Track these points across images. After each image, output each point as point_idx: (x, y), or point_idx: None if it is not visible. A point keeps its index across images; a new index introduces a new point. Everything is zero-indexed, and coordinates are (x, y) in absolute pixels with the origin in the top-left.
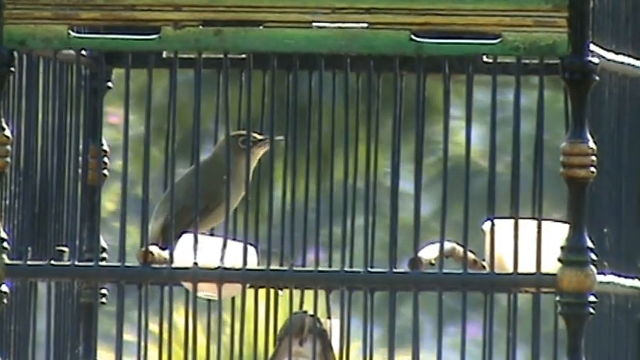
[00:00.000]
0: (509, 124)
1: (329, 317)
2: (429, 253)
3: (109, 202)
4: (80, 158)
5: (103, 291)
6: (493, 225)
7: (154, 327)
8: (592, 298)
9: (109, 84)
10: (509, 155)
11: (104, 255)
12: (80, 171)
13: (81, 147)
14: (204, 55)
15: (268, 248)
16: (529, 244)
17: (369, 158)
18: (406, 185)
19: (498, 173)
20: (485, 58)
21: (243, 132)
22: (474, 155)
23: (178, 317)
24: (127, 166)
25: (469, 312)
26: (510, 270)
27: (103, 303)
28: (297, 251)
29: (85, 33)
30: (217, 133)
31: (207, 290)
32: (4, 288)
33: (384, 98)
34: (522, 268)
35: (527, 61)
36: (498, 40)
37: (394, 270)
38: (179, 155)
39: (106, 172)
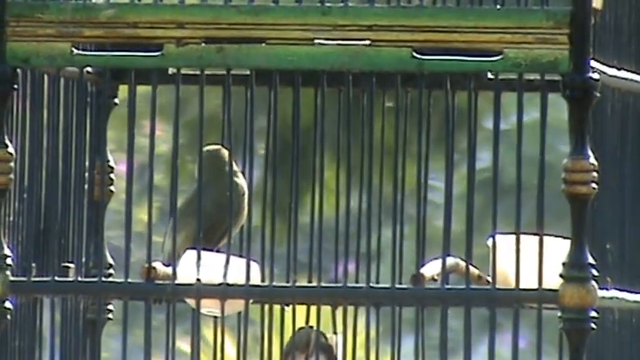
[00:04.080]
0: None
1: (334, 332)
2: (431, 269)
3: (145, 216)
4: (86, 174)
5: (110, 307)
6: (495, 241)
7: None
8: (593, 314)
9: (116, 100)
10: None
11: (110, 271)
12: (86, 187)
13: (87, 163)
14: (209, 72)
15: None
16: (532, 258)
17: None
18: (436, 196)
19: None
20: (489, 75)
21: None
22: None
23: (184, 335)
24: (131, 180)
25: (506, 323)
26: (514, 285)
27: (109, 319)
28: (328, 266)
29: (90, 50)
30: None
31: (210, 307)
32: (8, 304)
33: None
34: (526, 281)
35: (531, 78)
36: (500, 57)
37: (397, 286)
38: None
39: (112, 188)
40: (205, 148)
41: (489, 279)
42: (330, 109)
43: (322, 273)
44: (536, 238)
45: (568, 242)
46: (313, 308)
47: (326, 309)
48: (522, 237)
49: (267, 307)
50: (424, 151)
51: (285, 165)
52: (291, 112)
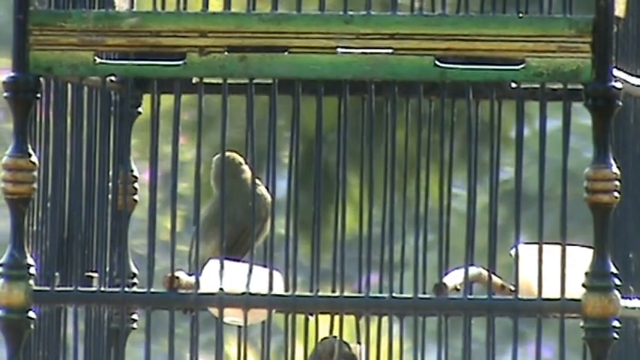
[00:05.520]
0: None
1: (358, 342)
2: (454, 278)
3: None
4: (109, 183)
5: (134, 316)
6: (518, 250)
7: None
8: (616, 324)
9: (139, 109)
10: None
11: (134, 280)
12: (110, 196)
13: (110, 173)
14: (232, 81)
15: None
16: (555, 267)
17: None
18: (460, 205)
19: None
20: (512, 83)
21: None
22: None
23: (208, 345)
24: (155, 190)
25: (530, 332)
26: (537, 294)
27: (133, 328)
28: (351, 275)
29: (113, 58)
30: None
31: (233, 316)
32: (31, 314)
33: (447, 123)
34: (549, 290)
35: (554, 87)
36: (522, 66)
37: (419, 296)
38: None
39: (136, 197)
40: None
41: (512, 288)
42: (353, 118)
43: (346, 282)
44: (559, 247)
45: (591, 251)
46: (337, 318)
47: (349, 318)
48: (545, 246)
49: (290, 316)
50: (447, 160)
51: (308, 174)
52: (312, 119)
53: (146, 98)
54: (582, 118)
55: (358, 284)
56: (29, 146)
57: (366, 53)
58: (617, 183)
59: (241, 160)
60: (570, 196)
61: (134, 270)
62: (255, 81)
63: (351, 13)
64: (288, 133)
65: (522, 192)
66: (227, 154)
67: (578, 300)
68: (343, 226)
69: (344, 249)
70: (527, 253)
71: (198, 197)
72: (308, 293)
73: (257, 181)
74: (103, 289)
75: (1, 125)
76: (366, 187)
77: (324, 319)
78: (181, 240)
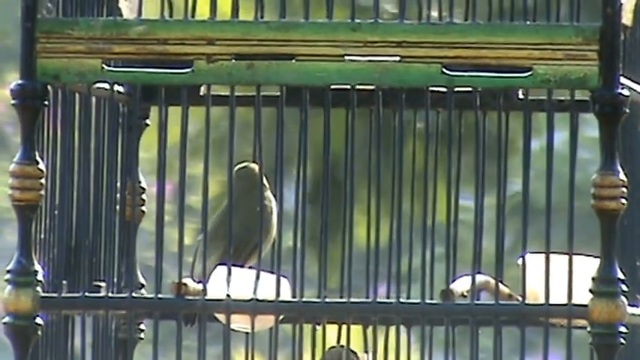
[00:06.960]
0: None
1: (365, 351)
2: (461, 285)
3: (185, 237)
4: (117, 194)
5: (142, 326)
6: (525, 260)
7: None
8: (623, 329)
9: (147, 121)
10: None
11: (142, 291)
12: (117, 207)
13: (118, 184)
14: (239, 93)
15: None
16: (561, 279)
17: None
18: (468, 217)
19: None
20: (520, 95)
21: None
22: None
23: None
24: (163, 200)
25: (537, 343)
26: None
27: (140, 338)
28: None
29: (120, 67)
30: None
31: (240, 322)
32: (39, 320)
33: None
34: (555, 300)
35: (561, 98)
36: (529, 74)
37: (426, 301)
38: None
39: (143, 208)
40: (235, 169)
41: (519, 298)
42: (361, 132)
43: (353, 293)
44: (566, 256)
45: (597, 261)
46: (344, 327)
47: (357, 328)
48: (552, 256)
49: (297, 326)
50: (455, 171)
51: (316, 185)
52: (322, 133)
53: (154, 110)
54: (589, 130)
55: (365, 294)
56: (37, 153)
57: (373, 61)
58: (624, 190)
59: (256, 172)
60: (576, 210)
61: (142, 281)
62: (262, 93)
63: (358, 20)
64: (296, 145)
65: (529, 205)
66: (241, 166)
67: (585, 305)
68: (351, 235)
69: (351, 253)
70: (533, 262)
71: (206, 209)
72: (316, 299)
73: (268, 191)
74: (110, 295)
75: (10, 138)
76: (373, 198)
77: (332, 328)
78: (189, 252)
